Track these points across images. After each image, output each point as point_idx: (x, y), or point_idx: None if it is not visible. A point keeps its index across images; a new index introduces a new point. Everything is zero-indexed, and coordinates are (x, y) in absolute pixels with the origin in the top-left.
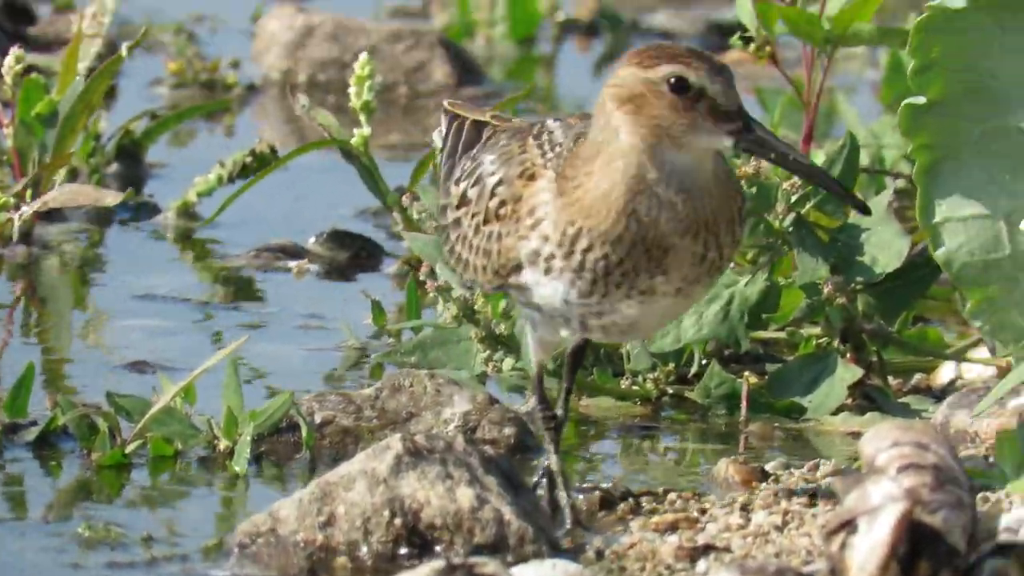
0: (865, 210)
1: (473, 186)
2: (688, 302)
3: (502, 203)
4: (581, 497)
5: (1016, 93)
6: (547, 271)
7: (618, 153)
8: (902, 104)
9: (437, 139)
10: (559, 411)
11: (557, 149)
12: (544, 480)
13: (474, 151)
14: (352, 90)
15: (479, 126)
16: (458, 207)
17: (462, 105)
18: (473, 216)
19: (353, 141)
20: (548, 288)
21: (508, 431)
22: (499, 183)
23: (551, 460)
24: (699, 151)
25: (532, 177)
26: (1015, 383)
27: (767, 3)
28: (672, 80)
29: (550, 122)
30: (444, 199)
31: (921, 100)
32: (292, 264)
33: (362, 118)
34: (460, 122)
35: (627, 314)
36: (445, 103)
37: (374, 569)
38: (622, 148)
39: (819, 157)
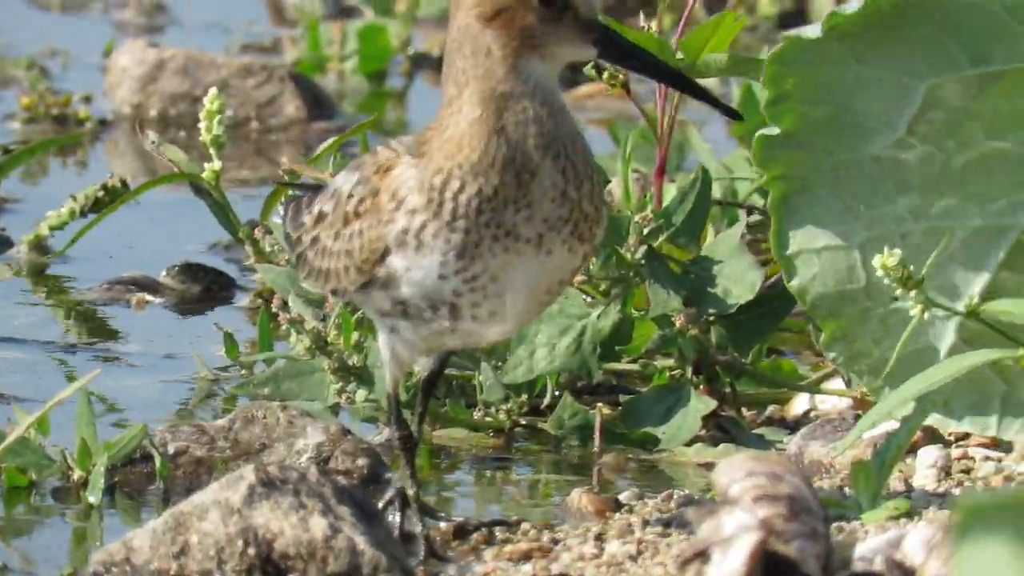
0: (736, 115)
1: (329, 200)
2: (552, 267)
3: (360, 200)
4: (443, 525)
5: (870, 124)
6: (418, 247)
7: (490, 72)
8: (756, 135)
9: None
10: (414, 432)
11: (407, 142)
12: (397, 503)
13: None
14: (202, 124)
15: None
16: (314, 226)
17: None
18: (331, 226)
19: (204, 175)
20: (420, 270)
21: (361, 462)
22: (356, 184)
23: (406, 484)
24: (561, 63)
25: (388, 169)
26: (876, 419)
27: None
28: None
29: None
30: (295, 232)
31: (775, 131)
32: (135, 296)
33: (212, 152)
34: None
35: (496, 276)
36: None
37: None
38: (494, 63)
39: (671, 191)
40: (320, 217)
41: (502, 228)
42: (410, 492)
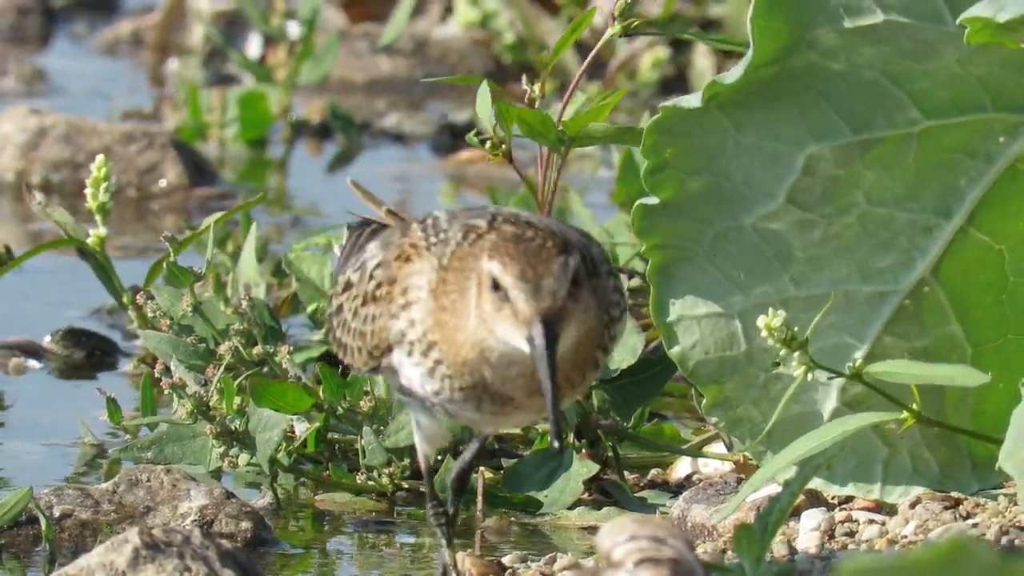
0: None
1: (356, 271)
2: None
3: (379, 285)
4: None
5: (749, 193)
6: (409, 354)
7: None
8: (635, 205)
9: (337, 250)
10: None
11: (441, 235)
12: None
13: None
14: (88, 191)
15: (376, 231)
16: (342, 293)
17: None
18: (353, 299)
19: (89, 240)
20: (410, 371)
21: (245, 525)
22: (377, 266)
23: (445, 555)
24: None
25: (408, 259)
26: (759, 483)
27: (506, 104)
28: (492, 282)
29: (436, 211)
30: (333, 285)
31: (654, 201)
32: (12, 361)
33: (98, 218)
34: (360, 232)
35: (478, 421)
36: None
37: None
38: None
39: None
40: (347, 287)
41: (481, 411)
42: (448, 562)
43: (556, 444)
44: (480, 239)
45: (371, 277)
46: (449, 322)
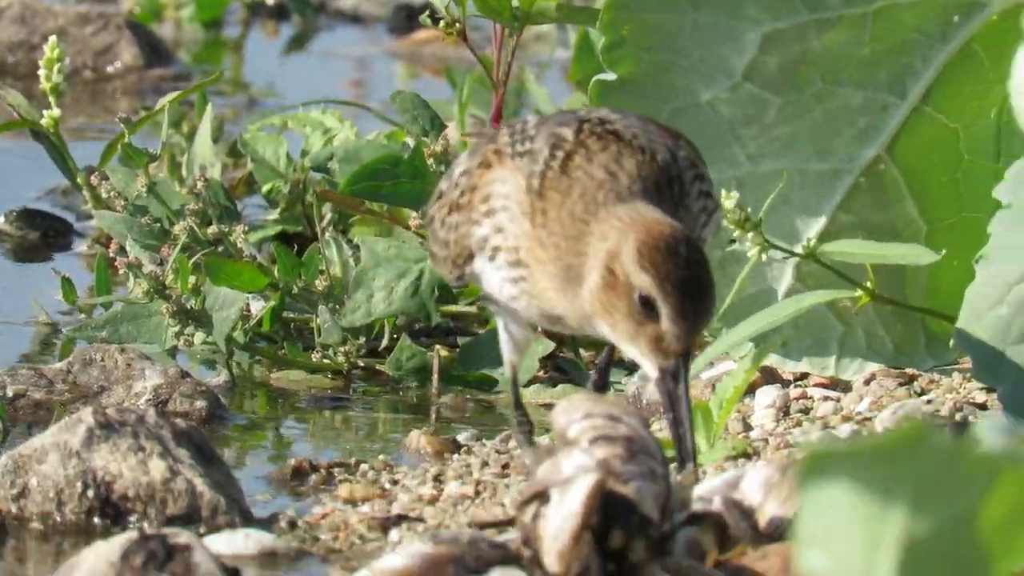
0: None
1: (445, 180)
2: None
3: (462, 193)
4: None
5: (706, 70)
6: (491, 259)
7: (574, 283)
8: (593, 80)
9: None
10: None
11: (528, 144)
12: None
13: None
14: (42, 72)
15: None
16: (434, 204)
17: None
18: (440, 209)
19: (43, 122)
20: (492, 275)
21: (199, 404)
22: (463, 173)
23: (527, 461)
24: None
25: (489, 165)
26: (711, 360)
27: None
28: (642, 295)
29: (528, 116)
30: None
31: (611, 77)
32: None
33: (52, 99)
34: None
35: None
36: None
37: (69, 540)
38: (578, 286)
39: None
40: (438, 197)
41: (553, 324)
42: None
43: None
44: (570, 160)
45: (456, 185)
46: (547, 266)
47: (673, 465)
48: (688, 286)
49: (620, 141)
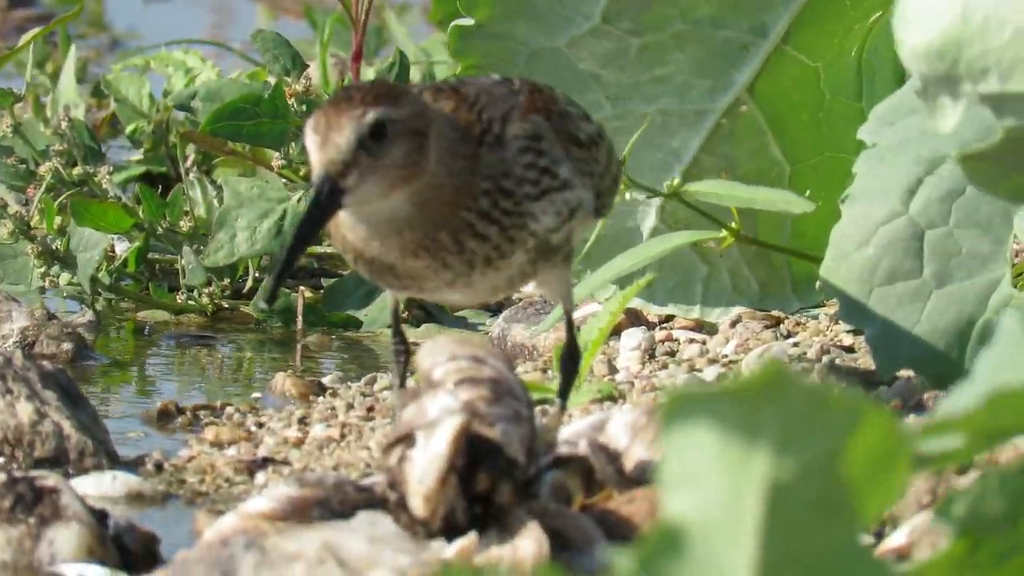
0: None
1: None
2: (484, 286)
3: None
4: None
5: (563, 12)
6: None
7: None
8: (451, 25)
9: None
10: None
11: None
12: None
13: None
14: None
15: None
16: None
17: None
18: None
19: None
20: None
21: (66, 346)
22: None
23: (394, 392)
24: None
25: None
26: (577, 300)
27: None
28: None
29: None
30: None
31: (469, 22)
32: None
33: None
34: None
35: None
36: None
37: None
38: None
39: (369, 76)
40: None
41: (392, 281)
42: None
43: (262, 304)
44: None
45: None
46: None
47: (539, 408)
48: (325, 108)
49: (456, 95)
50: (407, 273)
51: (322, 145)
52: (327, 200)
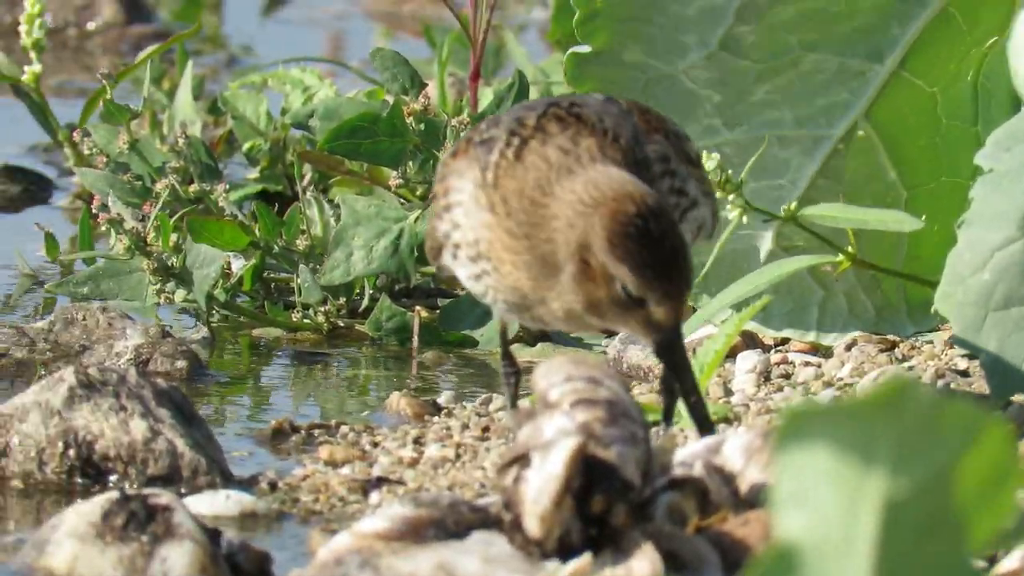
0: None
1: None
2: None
3: (436, 182)
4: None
5: (682, 39)
6: (454, 256)
7: (547, 274)
8: (567, 53)
9: None
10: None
11: (491, 131)
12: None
13: None
14: (23, 28)
15: None
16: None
17: None
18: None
19: (24, 78)
20: (459, 271)
21: (180, 364)
22: (441, 161)
23: (507, 412)
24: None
25: (455, 155)
26: (696, 326)
27: None
28: (622, 286)
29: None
30: None
31: (586, 49)
32: None
33: (32, 55)
34: None
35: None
36: None
37: (51, 499)
38: (565, 279)
39: (487, 95)
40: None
41: (523, 317)
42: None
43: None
44: (525, 146)
45: (436, 174)
46: (516, 260)
47: (654, 429)
48: (666, 266)
49: (581, 123)
50: (541, 317)
51: (678, 306)
52: (683, 349)
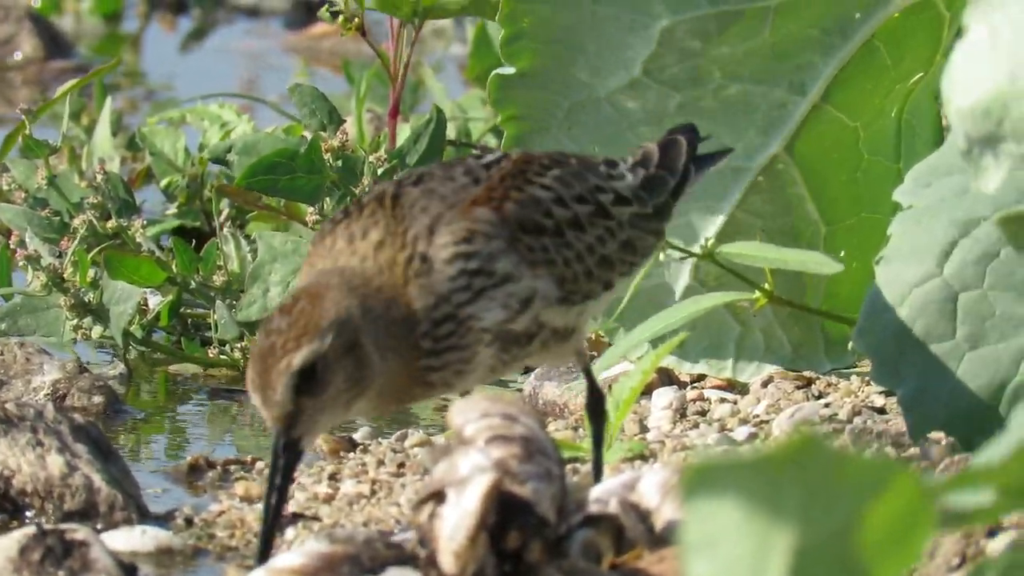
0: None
1: None
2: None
3: None
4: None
5: (605, 65)
6: None
7: None
8: (492, 74)
9: None
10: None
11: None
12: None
13: None
14: None
15: None
16: None
17: None
18: None
19: None
20: None
21: (97, 399)
22: None
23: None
24: None
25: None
26: (611, 364)
27: None
28: None
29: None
30: None
31: (510, 71)
32: None
33: None
34: None
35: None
36: None
37: None
38: None
39: (405, 131)
40: None
41: None
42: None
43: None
44: (334, 229)
45: None
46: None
47: (570, 466)
48: (255, 362)
49: (388, 210)
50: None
51: (263, 403)
52: (286, 453)
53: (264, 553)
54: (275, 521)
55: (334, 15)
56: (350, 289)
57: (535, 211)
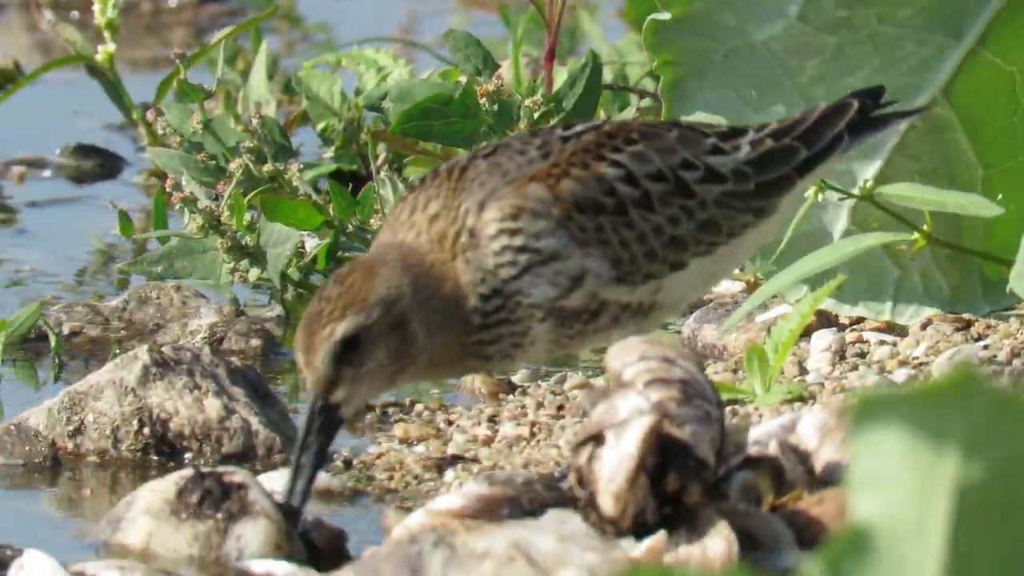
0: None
1: None
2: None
3: None
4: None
5: (760, 10)
6: None
7: None
8: (648, 19)
9: None
10: None
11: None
12: None
13: None
14: (96, 7)
15: None
16: None
17: None
18: None
19: (98, 57)
20: None
21: (254, 342)
22: None
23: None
24: None
25: None
26: (762, 299)
27: None
28: None
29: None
30: None
31: (666, 16)
32: (16, 170)
33: (107, 34)
34: None
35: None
36: None
37: (125, 476)
38: None
39: (561, 75)
40: None
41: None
42: None
43: (293, 509)
44: (403, 200)
45: None
46: None
47: (729, 408)
48: (303, 325)
49: (453, 182)
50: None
51: (305, 365)
52: (324, 418)
53: (294, 513)
54: (312, 475)
55: None
56: (405, 267)
57: (595, 189)
